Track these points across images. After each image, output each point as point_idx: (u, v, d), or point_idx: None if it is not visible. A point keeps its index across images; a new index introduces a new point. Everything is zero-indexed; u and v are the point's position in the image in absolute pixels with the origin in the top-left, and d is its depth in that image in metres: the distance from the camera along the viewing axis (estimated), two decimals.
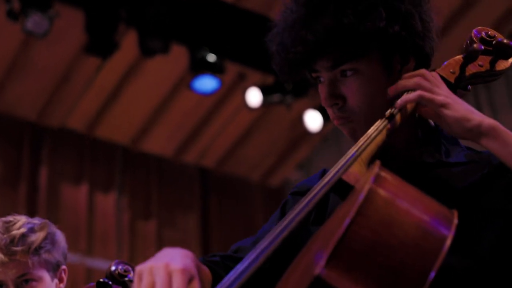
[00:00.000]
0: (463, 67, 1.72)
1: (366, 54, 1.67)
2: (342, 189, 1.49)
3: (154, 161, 8.55)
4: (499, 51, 1.73)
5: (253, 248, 1.46)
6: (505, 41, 1.73)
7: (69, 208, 7.83)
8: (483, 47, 1.71)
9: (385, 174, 1.37)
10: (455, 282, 1.52)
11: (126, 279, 2.06)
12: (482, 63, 1.73)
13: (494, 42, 1.73)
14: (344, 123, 1.73)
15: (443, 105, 1.59)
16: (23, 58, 7.25)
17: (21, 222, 2.64)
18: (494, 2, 6.84)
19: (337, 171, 1.51)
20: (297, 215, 1.43)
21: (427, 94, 1.61)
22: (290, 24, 1.69)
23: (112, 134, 8.25)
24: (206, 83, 7.08)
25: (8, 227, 2.62)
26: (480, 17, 6.82)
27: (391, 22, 1.65)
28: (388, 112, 1.64)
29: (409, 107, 1.65)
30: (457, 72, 1.72)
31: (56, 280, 2.68)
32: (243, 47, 6.96)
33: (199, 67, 6.86)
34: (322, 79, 1.74)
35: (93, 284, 2.07)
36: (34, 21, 6.11)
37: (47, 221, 2.72)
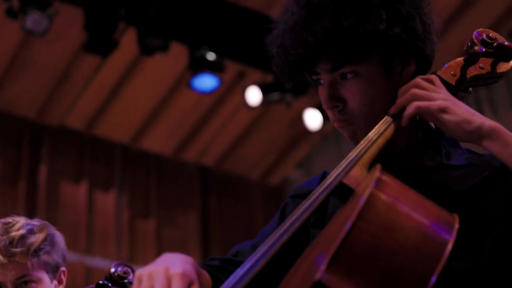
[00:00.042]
0: (464, 69, 1.71)
1: (366, 56, 1.67)
2: (342, 192, 1.48)
3: (154, 159, 8.55)
4: (500, 53, 1.72)
5: (252, 252, 1.45)
6: (506, 43, 1.72)
7: (68, 206, 7.83)
8: (484, 49, 1.70)
9: (386, 178, 1.37)
10: (454, 285, 1.51)
11: (126, 281, 2.06)
12: (483, 65, 1.72)
13: (495, 44, 1.73)
14: (345, 126, 1.72)
15: (442, 110, 1.59)
16: (22, 56, 7.25)
17: (20, 224, 2.64)
18: (494, 0, 6.83)
19: (338, 175, 1.51)
20: (298, 219, 1.43)
21: (423, 104, 1.60)
22: (291, 26, 1.69)
23: (111, 132, 8.25)
24: (206, 82, 7.07)
25: (7, 228, 2.62)
26: (480, 16, 6.82)
27: (391, 24, 1.64)
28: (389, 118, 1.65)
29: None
30: (458, 75, 1.71)
31: (55, 282, 2.68)
32: (243, 46, 6.95)
33: (198, 66, 6.85)
34: (322, 81, 1.73)
35: (93, 286, 2.07)
36: (34, 19, 6.11)
37: (46, 222, 2.71)
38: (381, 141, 1.61)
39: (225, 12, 6.78)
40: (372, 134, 1.62)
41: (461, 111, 1.59)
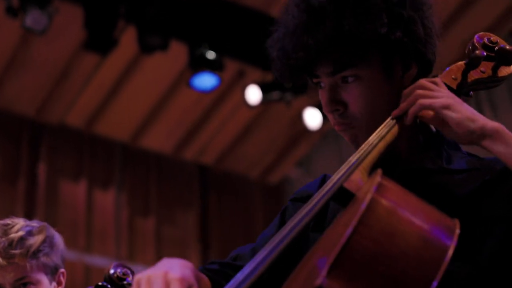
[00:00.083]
0: (465, 73, 1.71)
1: (367, 60, 1.66)
2: (343, 196, 1.48)
3: (153, 158, 8.55)
4: (501, 57, 1.71)
5: (252, 256, 1.45)
6: (507, 47, 1.71)
7: (67, 204, 7.83)
8: (485, 53, 1.70)
9: (387, 183, 1.37)
10: None
11: (125, 282, 2.06)
12: (484, 69, 1.71)
13: (496, 48, 1.72)
14: (346, 129, 1.72)
15: (445, 107, 1.58)
16: (22, 54, 7.25)
17: (19, 225, 2.63)
18: (494, 0, 6.82)
19: (339, 179, 1.50)
20: (298, 224, 1.42)
21: (426, 101, 1.60)
22: (291, 30, 1.68)
23: (111, 130, 8.25)
24: (206, 81, 7.06)
25: (6, 230, 2.61)
26: (480, 16, 6.81)
27: (393, 28, 1.64)
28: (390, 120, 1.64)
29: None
30: (459, 79, 1.71)
31: (54, 284, 2.67)
32: (243, 45, 6.95)
33: (198, 64, 6.84)
34: (323, 85, 1.73)
35: (92, 287, 2.06)
36: (33, 17, 6.10)
37: (45, 224, 2.71)
38: (382, 145, 1.61)
39: (225, 11, 6.78)
40: (373, 137, 1.62)
41: (464, 109, 1.58)
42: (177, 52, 6.90)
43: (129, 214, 8.16)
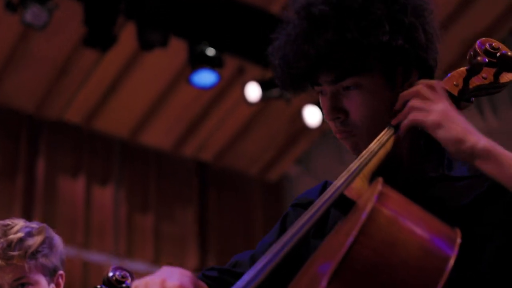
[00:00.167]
0: (466, 80, 1.69)
1: (369, 68, 1.65)
2: (343, 204, 1.48)
3: (153, 154, 8.54)
4: (503, 64, 1.70)
5: (251, 263, 1.45)
6: (509, 53, 1.70)
7: (66, 201, 7.82)
8: (487, 60, 1.68)
9: (388, 192, 1.37)
10: None
11: (124, 285, 2.05)
12: (486, 75, 1.70)
13: (498, 54, 1.70)
14: (347, 137, 1.71)
15: (435, 125, 1.56)
16: (21, 50, 7.23)
17: (18, 226, 2.62)
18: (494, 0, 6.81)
19: (339, 186, 1.50)
20: (298, 232, 1.42)
21: (418, 116, 1.58)
22: (293, 38, 1.67)
23: (110, 127, 8.24)
24: (205, 77, 7.05)
25: (5, 231, 2.60)
26: (479, 15, 6.79)
27: (394, 35, 1.63)
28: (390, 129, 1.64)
29: None
30: (461, 85, 1.69)
31: (52, 285, 2.66)
32: (242, 41, 6.94)
33: (198, 61, 6.83)
34: (324, 92, 1.72)
35: None
36: (33, 13, 6.10)
37: (45, 225, 2.70)
38: (382, 152, 1.60)
39: (225, 8, 6.77)
40: (373, 145, 1.61)
41: (455, 127, 1.55)
42: (177, 48, 6.89)
43: (128, 211, 8.16)
